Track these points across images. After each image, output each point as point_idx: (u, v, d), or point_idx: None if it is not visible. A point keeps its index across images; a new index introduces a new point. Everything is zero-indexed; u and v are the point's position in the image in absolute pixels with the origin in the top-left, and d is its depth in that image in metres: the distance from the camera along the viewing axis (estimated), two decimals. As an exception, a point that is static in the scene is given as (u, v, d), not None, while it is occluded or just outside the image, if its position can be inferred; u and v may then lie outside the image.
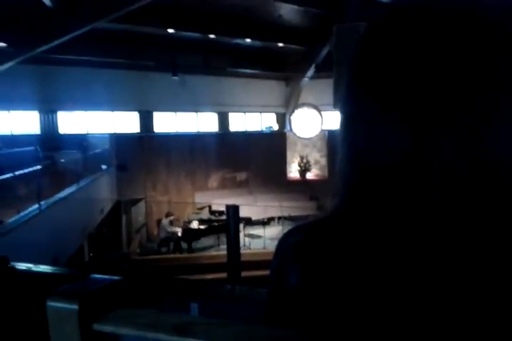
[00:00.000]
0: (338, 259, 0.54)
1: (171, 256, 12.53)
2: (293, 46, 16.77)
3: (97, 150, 13.20)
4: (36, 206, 7.32)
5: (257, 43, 16.34)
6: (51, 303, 0.62)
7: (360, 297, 0.51)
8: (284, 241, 0.62)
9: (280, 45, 16.55)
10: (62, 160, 10.93)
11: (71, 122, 15.84)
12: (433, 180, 0.48)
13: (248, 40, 15.90)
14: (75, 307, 0.59)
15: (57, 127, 15.40)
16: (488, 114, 0.47)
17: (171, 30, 14.12)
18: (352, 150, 0.55)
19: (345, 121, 0.56)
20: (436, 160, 0.48)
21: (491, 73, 0.47)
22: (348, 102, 0.56)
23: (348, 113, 0.55)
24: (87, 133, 15.43)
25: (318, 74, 16.75)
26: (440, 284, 0.48)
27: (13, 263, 1.04)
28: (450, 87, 0.47)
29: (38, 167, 8.34)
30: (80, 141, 13.25)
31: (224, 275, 5.41)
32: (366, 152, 0.52)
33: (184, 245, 13.16)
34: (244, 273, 5.02)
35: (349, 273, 0.52)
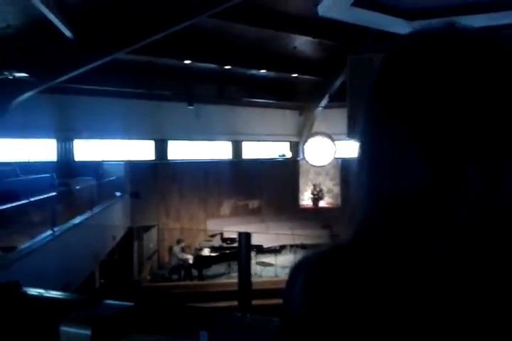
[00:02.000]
0: (346, 293, 0.53)
1: (182, 283, 12.41)
2: (307, 76, 17.00)
3: (112, 178, 13.32)
4: (50, 232, 7.35)
5: (272, 74, 16.61)
6: (64, 328, 0.62)
7: (364, 332, 0.50)
8: (294, 272, 0.61)
9: (294, 75, 16.80)
10: (77, 187, 11.03)
11: (87, 150, 16.08)
12: (448, 217, 0.48)
13: (263, 71, 16.18)
14: (88, 332, 0.60)
15: (73, 155, 15.63)
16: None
17: (187, 62, 14.45)
18: (372, 181, 0.54)
19: (367, 151, 0.55)
20: (463, 198, 0.47)
21: (504, 103, 0.47)
22: (369, 132, 0.55)
23: (370, 142, 0.54)
24: (103, 161, 15.62)
25: (332, 104, 16.90)
26: (445, 329, 0.47)
27: (25, 289, 1.05)
28: (478, 118, 0.47)
29: (53, 193, 8.42)
30: (95, 169, 13.42)
31: (235, 303, 5.33)
32: (388, 183, 0.51)
33: (195, 272, 13.04)
34: (255, 302, 4.95)
35: (354, 309, 0.51)
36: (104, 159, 15.92)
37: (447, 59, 0.49)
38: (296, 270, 0.61)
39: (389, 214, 0.51)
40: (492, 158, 0.47)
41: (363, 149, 0.56)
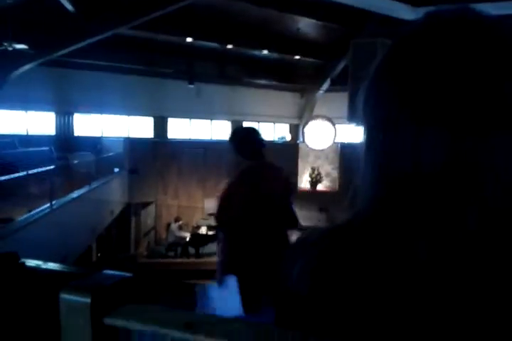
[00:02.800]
0: (352, 272, 0.52)
1: (179, 260, 12.53)
2: (309, 59, 16.84)
3: (111, 154, 13.31)
4: (48, 205, 7.39)
5: (274, 55, 16.44)
6: (64, 296, 0.64)
7: (371, 313, 0.50)
8: (294, 252, 0.61)
9: (297, 57, 16.63)
10: (76, 162, 11.03)
11: (86, 125, 16.03)
12: (475, 196, 0.47)
13: (265, 52, 16.01)
14: (88, 300, 0.61)
15: (72, 129, 15.58)
16: None
17: (189, 39, 14.27)
18: (380, 160, 0.53)
19: (374, 128, 0.54)
20: (480, 171, 0.47)
21: None
22: (380, 111, 0.53)
23: (382, 122, 0.53)
24: (102, 136, 15.59)
25: (333, 88, 16.78)
26: (458, 308, 0.47)
27: (23, 259, 1.07)
28: (487, 96, 0.47)
29: (52, 167, 8.43)
30: (94, 144, 13.40)
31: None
32: (397, 161, 0.50)
33: (192, 250, 13.16)
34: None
35: (361, 287, 0.51)
36: (104, 134, 15.89)
37: (462, 44, 0.49)
38: (296, 249, 0.61)
39: (405, 192, 0.50)
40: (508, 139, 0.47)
41: (372, 129, 0.55)
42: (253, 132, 3.14)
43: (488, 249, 0.47)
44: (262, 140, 3.14)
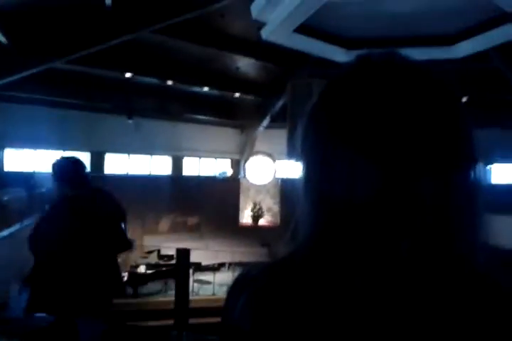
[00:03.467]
0: (294, 306, 0.53)
1: (116, 301, 11.94)
2: (249, 97, 17.25)
3: (43, 190, 12.73)
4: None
5: (215, 92, 16.70)
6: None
7: None
8: (236, 287, 0.62)
9: (237, 95, 16.99)
10: (6, 198, 10.46)
11: (18, 160, 15.33)
12: (405, 226, 0.50)
13: (206, 89, 16.25)
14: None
15: (2, 164, 14.84)
16: (447, 164, 0.51)
17: (128, 74, 14.24)
18: (318, 194, 0.55)
19: (312, 163, 0.57)
20: (407, 205, 0.50)
21: (444, 123, 0.52)
22: (315, 143, 0.56)
23: (316, 154, 0.56)
24: (35, 172, 14.93)
25: (273, 124, 17.19)
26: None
27: None
28: (416, 135, 0.51)
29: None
30: (26, 179, 12.77)
31: (171, 321, 5.23)
32: (334, 195, 0.53)
33: (130, 290, 12.63)
34: (192, 320, 4.89)
35: (303, 321, 0.52)
36: (37, 170, 15.23)
37: (391, 84, 0.54)
38: (238, 285, 0.62)
39: (341, 224, 0.52)
40: (442, 172, 0.51)
41: (310, 164, 0.57)
42: (75, 162, 3.32)
43: (417, 278, 0.50)
44: (84, 168, 3.34)
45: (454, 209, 0.51)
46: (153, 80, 15.05)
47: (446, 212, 0.51)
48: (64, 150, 16.03)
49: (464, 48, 7.64)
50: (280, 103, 16.53)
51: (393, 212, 0.50)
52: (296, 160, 0.61)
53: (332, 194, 0.53)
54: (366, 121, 0.52)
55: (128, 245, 3.44)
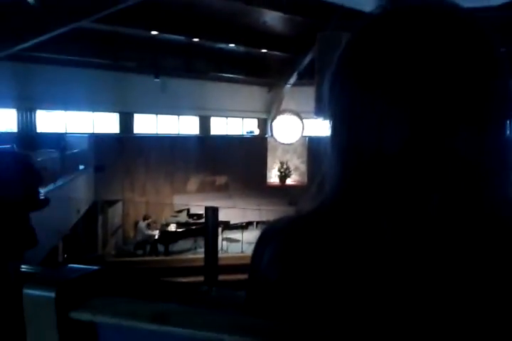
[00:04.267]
0: (320, 256, 0.53)
1: (148, 258, 12.42)
2: (276, 53, 16.88)
3: (75, 150, 13.01)
4: (10, 205, 7.16)
5: (241, 48, 16.40)
6: (28, 291, 0.62)
7: (341, 294, 0.51)
8: (263, 238, 0.61)
9: (264, 51, 16.64)
10: (39, 159, 10.74)
11: (50, 121, 15.61)
12: (436, 178, 0.48)
13: (232, 45, 15.95)
14: (52, 294, 0.59)
15: (35, 126, 15.15)
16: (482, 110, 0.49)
17: (154, 32, 14.07)
18: (345, 146, 0.54)
19: (340, 114, 0.55)
20: (438, 157, 0.48)
21: (481, 73, 0.49)
22: (343, 93, 0.54)
23: (344, 105, 0.54)
24: (66, 133, 15.22)
25: (301, 82, 16.88)
26: (426, 288, 0.48)
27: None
28: (450, 84, 0.48)
29: (14, 165, 8.17)
30: (58, 141, 13.04)
31: (201, 278, 5.40)
32: (362, 146, 0.51)
33: (161, 248, 13.06)
34: (221, 277, 5.02)
35: (329, 271, 0.52)
36: (68, 131, 15.52)
37: (423, 29, 0.50)
38: (264, 236, 0.61)
39: (369, 175, 0.51)
40: (477, 124, 0.48)
41: (338, 115, 0.55)
42: None
43: (447, 233, 0.49)
44: None
45: (486, 164, 0.50)
46: (179, 38, 14.85)
47: (478, 166, 0.49)
48: (93, 111, 16.23)
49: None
50: (308, 59, 16.13)
51: (423, 164, 0.48)
52: (324, 119, 0.59)
53: (359, 145, 0.52)
54: (396, 68, 0.49)
55: (39, 204, 3.81)
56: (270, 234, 0.61)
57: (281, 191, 17.26)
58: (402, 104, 0.48)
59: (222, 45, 16.01)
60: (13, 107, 14.55)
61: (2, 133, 13.57)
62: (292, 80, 17.95)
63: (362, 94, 0.51)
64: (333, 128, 0.56)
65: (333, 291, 0.51)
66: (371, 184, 0.51)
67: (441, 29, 0.49)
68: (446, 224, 0.49)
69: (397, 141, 0.48)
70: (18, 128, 14.71)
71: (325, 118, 0.58)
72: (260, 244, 0.61)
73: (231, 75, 17.70)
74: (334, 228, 0.53)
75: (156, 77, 15.52)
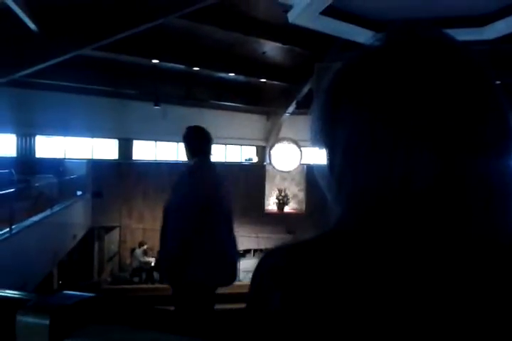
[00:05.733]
0: (326, 284, 0.50)
1: (143, 286, 12.22)
2: (275, 82, 17.12)
3: (73, 176, 13.01)
4: (7, 229, 7.11)
5: (240, 78, 16.64)
6: (21, 318, 0.61)
7: (346, 325, 0.48)
8: (262, 263, 0.58)
9: (263, 80, 16.88)
10: (37, 184, 10.72)
11: (49, 147, 15.67)
12: (469, 208, 0.48)
13: (231, 74, 16.19)
14: (46, 322, 0.58)
15: (34, 151, 15.19)
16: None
17: (155, 61, 14.30)
18: (358, 182, 0.51)
19: (348, 149, 0.52)
20: (473, 182, 0.48)
21: (487, 102, 0.50)
22: (354, 130, 0.52)
23: (354, 140, 0.51)
24: (65, 158, 15.25)
25: (299, 111, 17.05)
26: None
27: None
28: (462, 113, 0.48)
29: (12, 190, 8.16)
30: (56, 166, 13.06)
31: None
32: (383, 178, 0.49)
33: (157, 275, 12.86)
34: (217, 306, 4.92)
35: (336, 300, 0.49)
36: (66, 157, 15.55)
37: (423, 59, 0.50)
38: (265, 261, 0.58)
39: (391, 208, 0.49)
40: (491, 150, 0.49)
41: (344, 155, 0.53)
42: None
43: (489, 263, 0.48)
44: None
45: (506, 189, 0.50)
46: (180, 66, 15.07)
47: (506, 190, 0.50)
48: (93, 137, 16.32)
49: (497, 29, 7.36)
50: (306, 88, 16.35)
51: (455, 196, 0.48)
52: (321, 148, 0.57)
53: (374, 181, 0.50)
54: (414, 102, 0.48)
55: None
56: (270, 257, 0.58)
57: (280, 219, 17.15)
58: (428, 139, 0.48)
59: (222, 74, 16.25)
60: (13, 132, 14.63)
61: (1, 157, 13.59)
62: (291, 109, 18.15)
63: (380, 129, 0.49)
64: (336, 161, 0.54)
65: (340, 319, 0.48)
66: (394, 215, 0.49)
67: (440, 60, 0.50)
68: (489, 253, 0.48)
69: (429, 175, 0.47)
70: (18, 153, 14.75)
71: (320, 147, 0.57)
72: (259, 271, 0.58)
73: (230, 103, 17.90)
74: (337, 255, 0.51)
75: (156, 105, 15.69)
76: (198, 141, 3.55)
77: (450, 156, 0.47)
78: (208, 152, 3.52)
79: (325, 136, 0.56)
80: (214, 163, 3.61)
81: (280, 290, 0.52)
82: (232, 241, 3.44)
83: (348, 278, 0.49)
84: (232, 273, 3.36)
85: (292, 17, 6.28)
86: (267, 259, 0.58)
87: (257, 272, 0.58)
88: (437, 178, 0.48)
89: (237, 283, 11.83)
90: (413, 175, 0.48)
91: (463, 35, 6.33)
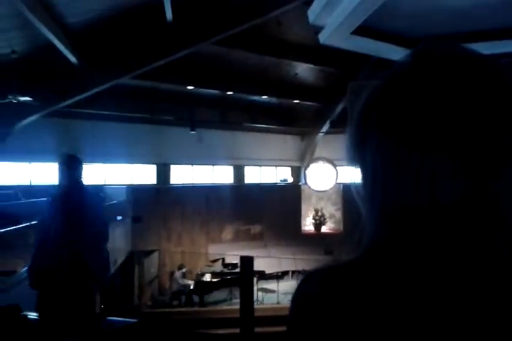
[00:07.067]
0: (362, 313, 0.50)
1: (183, 309, 12.21)
2: (308, 103, 17.20)
3: (113, 202, 13.30)
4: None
5: (273, 100, 16.81)
6: (68, 344, 0.62)
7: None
8: (300, 289, 0.60)
9: (296, 101, 16.99)
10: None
11: (90, 173, 16.13)
12: (501, 224, 0.48)
13: (265, 97, 16.38)
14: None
15: (76, 178, 15.65)
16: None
17: (190, 87, 14.65)
18: (388, 200, 0.52)
19: (378, 168, 0.53)
20: (499, 199, 0.47)
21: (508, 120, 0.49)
22: (382, 148, 0.52)
23: (383, 159, 0.52)
24: (105, 185, 15.64)
25: (334, 130, 17.02)
26: None
27: (25, 312, 1.04)
28: (484, 130, 0.48)
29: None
30: (97, 192, 13.39)
31: (237, 330, 5.23)
32: (410, 195, 0.50)
33: (196, 298, 12.86)
34: (257, 329, 4.85)
35: (375, 331, 0.49)
36: (107, 183, 15.95)
37: (455, 78, 0.50)
38: (303, 288, 0.60)
39: (419, 225, 0.50)
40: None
41: (376, 169, 0.54)
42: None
43: None
44: None
45: None
46: (214, 91, 15.38)
47: None
48: (132, 163, 16.73)
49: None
50: (340, 108, 16.33)
51: (483, 213, 0.48)
52: (354, 166, 0.58)
53: (403, 199, 0.50)
54: (439, 120, 0.48)
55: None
56: (311, 281, 0.59)
57: (317, 239, 16.95)
58: (456, 156, 0.48)
59: (255, 97, 16.46)
60: (56, 161, 15.16)
61: (45, 186, 14.06)
62: (325, 128, 18.13)
63: (408, 148, 0.50)
64: (370, 181, 0.55)
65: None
66: (423, 233, 0.49)
67: (471, 78, 0.50)
68: None
69: (455, 193, 0.48)
70: (60, 181, 15.23)
71: (353, 165, 0.58)
72: (296, 296, 0.60)
73: (264, 125, 18.05)
74: (375, 279, 0.51)
75: (192, 130, 15.99)
76: (66, 167, 4.10)
77: (476, 176, 0.47)
78: (76, 177, 4.06)
79: (357, 156, 0.57)
80: (84, 186, 4.11)
81: (319, 321, 0.53)
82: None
83: (378, 304, 0.50)
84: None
85: (323, 38, 6.31)
86: (303, 285, 0.60)
87: (295, 298, 0.60)
88: (464, 198, 0.48)
89: (275, 305, 11.67)
90: (439, 196, 0.48)
91: (499, 47, 6.21)
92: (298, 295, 0.59)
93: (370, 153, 0.54)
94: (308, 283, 0.59)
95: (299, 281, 0.63)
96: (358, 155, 0.57)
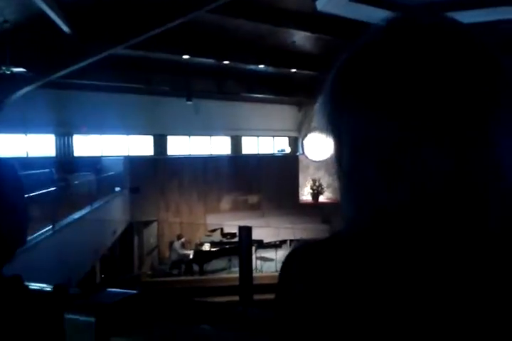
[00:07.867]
0: (343, 273, 0.52)
1: (183, 278, 12.45)
2: (305, 72, 16.96)
3: (111, 173, 13.32)
4: (50, 227, 7.36)
5: (270, 69, 16.56)
6: (69, 316, 0.63)
7: (359, 309, 0.49)
8: (291, 256, 0.63)
9: (293, 70, 16.75)
10: (76, 182, 11.04)
11: (86, 145, 16.08)
12: (487, 196, 0.46)
13: (261, 66, 16.14)
14: (92, 319, 0.60)
15: (72, 150, 15.63)
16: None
17: (185, 57, 14.40)
18: (385, 171, 0.48)
19: (354, 143, 0.51)
20: (486, 174, 0.46)
21: (487, 91, 0.46)
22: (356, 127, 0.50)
23: (358, 139, 0.50)
24: (102, 156, 15.62)
25: (331, 99, 16.85)
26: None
27: (26, 283, 1.05)
28: (467, 105, 0.45)
29: (53, 189, 8.43)
30: (94, 164, 13.40)
31: (236, 298, 5.37)
32: (402, 173, 0.46)
33: (196, 267, 13.09)
34: (256, 296, 4.97)
35: (355, 309, 0.50)
36: (104, 154, 15.93)
37: (428, 44, 0.47)
38: (290, 258, 0.63)
39: (405, 204, 0.47)
40: (501, 144, 0.46)
41: (357, 140, 0.51)
42: None
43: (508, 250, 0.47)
44: None
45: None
46: (210, 61, 15.13)
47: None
48: (128, 134, 16.65)
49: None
50: (338, 77, 16.12)
51: (469, 190, 0.46)
52: (327, 136, 0.56)
53: (385, 178, 0.47)
54: (414, 95, 0.45)
55: None
56: (295, 257, 0.62)
57: (314, 209, 17.10)
58: (434, 132, 0.45)
59: (252, 66, 16.22)
60: (52, 133, 15.07)
61: (42, 157, 14.04)
62: (322, 98, 17.97)
63: (380, 124, 0.47)
64: (342, 155, 0.54)
65: (355, 312, 0.50)
66: (403, 216, 0.47)
67: (440, 48, 0.47)
68: (506, 241, 0.47)
69: (439, 170, 0.45)
70: (57, 152, 15.20)
71: (327, 136, 0.56)
72: (286, 265, 0.63)
73: (261, 95, 17.87)
74: (355, 258, 0.52)
75: (189, 100, 15.84)
76: None
77: (460, 150, 0.45)
78: None
79: (332, 126, 0.54)
80: None
81: (304, 275, 0.57)
82: None
83: (354, 276, 0.51)
84: None
85: (320, 5, 6.20)
86: (295, 252, 0.63)
87: (284, 264, 0.64)
88: (448, 173, 0.45)
89: (274, 273, 11.88)
90: (423, 171, 0.46)
91: (496, 14, 6.10)
92: (281, 274, 0.62)
93: (347, 125, 0.51)
94: (290, 262, 0.62)
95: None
96: (333, 125, 0.54)
